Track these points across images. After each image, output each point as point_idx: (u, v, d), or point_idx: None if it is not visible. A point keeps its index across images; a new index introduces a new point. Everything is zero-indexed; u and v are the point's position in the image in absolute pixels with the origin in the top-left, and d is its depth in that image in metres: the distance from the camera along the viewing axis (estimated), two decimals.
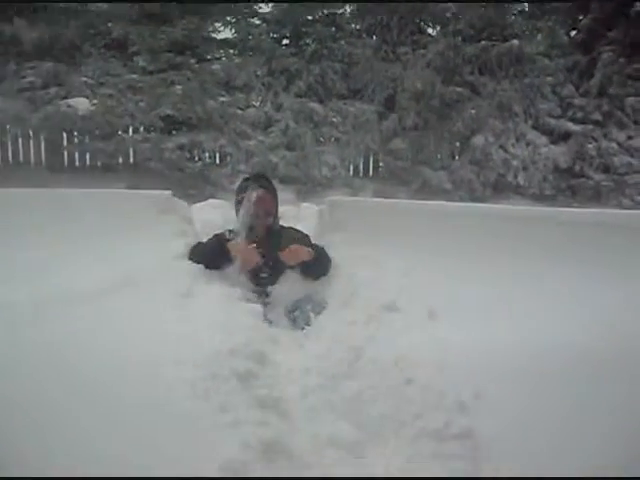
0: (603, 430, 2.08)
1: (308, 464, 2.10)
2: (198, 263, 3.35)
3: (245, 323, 2.81)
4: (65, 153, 10.35)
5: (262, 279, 3.45)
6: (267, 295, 3.39)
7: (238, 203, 3.67)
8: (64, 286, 2.84)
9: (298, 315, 3.20)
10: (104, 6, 10.59)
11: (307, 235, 3.71)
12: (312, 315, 3.14)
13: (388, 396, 2.39)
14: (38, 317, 2.54)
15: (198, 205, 4.12)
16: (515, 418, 2.15)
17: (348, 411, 2.40)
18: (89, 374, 2.28)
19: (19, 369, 2.22)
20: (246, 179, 3.82)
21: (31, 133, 10.09)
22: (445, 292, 3.03)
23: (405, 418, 2.26)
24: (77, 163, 10.44)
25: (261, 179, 3.81)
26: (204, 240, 3.61)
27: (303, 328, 3.09)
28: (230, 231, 3.57)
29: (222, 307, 2.95)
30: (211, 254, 3.42)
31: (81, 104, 9.26)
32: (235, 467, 1.93)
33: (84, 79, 9.65)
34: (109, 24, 10.36)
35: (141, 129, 9.80)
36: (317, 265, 3.47)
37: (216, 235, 3.58)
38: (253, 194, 3.59)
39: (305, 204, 4.72)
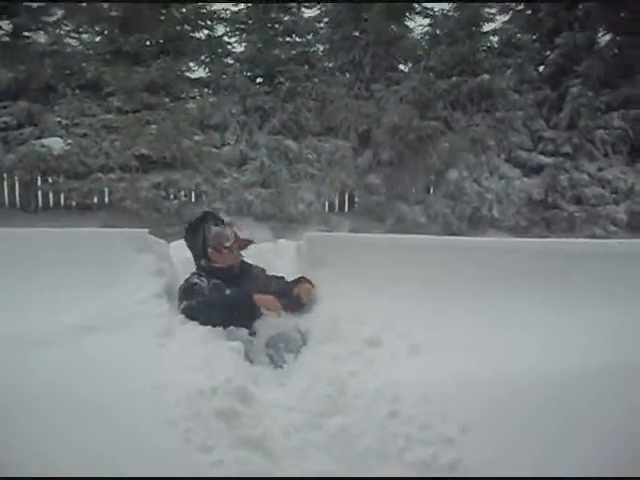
0: (591, 460, 2.07)
1: None
2: (214, 325, 3.13)
3: (226, 361, 2.77)
4: (39, 193, 10.28)
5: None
6: (252, 333, 3.26)
7: (198, 246, 3.61)
8: (40, 326, 2.79)
9: (273, 354, 3.15)
10: (79, 47, 10.66)
11: (282, 277, 3.69)
12: (286, 354, 3.10)
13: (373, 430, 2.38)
14: (12, 359, 2.49)
15: (176, 243, 4.09)
16: (502, 450, 2.14)
17: (333, 447, 2.38)
18: (67, 416, 2.24)
19: None
20: (200, 219, 3.70)
21: (5, 174, 10.01)
22: (427, 326, 3.03)
23: (391, 452, 2.24)
24: (51, 203, 10.37)
25: (213, 216, 3.75)
26: (203, 295, 3.36)
27: (281, 366, 3.05)
28: (199, 275, 3.51)
29: (202, 346, 2.92)
30: (237, 311, 3.23)
31: (55, 144, 9.21)
32: None
33: (58, 119, 9.62)
34: (83, 64, 10.36)
35: (116, 168, 9.77)
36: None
37: (214, 287, 3.42)
38: (227, 231, 3.57)
39: (281, 240, 4.69)
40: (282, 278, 3.68)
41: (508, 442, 2.18)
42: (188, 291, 3.38)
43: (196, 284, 3.41)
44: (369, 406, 2.49)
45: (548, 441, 2.18)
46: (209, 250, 3.55)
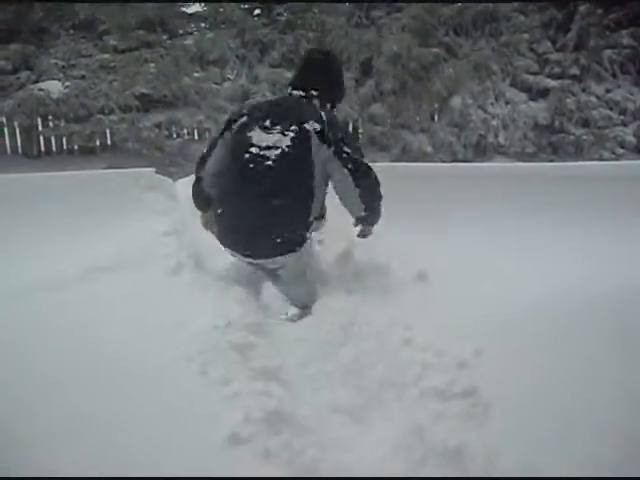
0: (606, 382, 2.06)
1: (312, 431, 2.10)
2: None
3: (237, 299, 2.78)
4: (41, 138, 10.20)
5: None
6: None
7: None
8: (50, 270, 2.80)
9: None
10: None
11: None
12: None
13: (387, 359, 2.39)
14: (24, 305, 2.50)
15: (182, 181, 4.06)
16: (516, 374, 2.14)
17: (347, 377, 2.40)
18: (84, 356, 2.25)
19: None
20: None
21: (4, 120, 9.91)
22: (435, 253, 3.02)
23: (406, 380, 2.25)
24: (54, 148, 10.31)
25: None
26: None
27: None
28: None
29: (212, 284, 2.93)
30: None
31: (53, 87, 9.06)
32: (242, 438, 1.92)
33: (54, 61, 9.42)
34: (75, 5, 10.05)
35: (117, 109, 9.66)
36: None
37: None
38: None
39: None
40: None
41: (523, 366, 2.17)
42: None
43: None
44: (382, 335, 2.50)
45: (563, 363, 2.18)
46: None
